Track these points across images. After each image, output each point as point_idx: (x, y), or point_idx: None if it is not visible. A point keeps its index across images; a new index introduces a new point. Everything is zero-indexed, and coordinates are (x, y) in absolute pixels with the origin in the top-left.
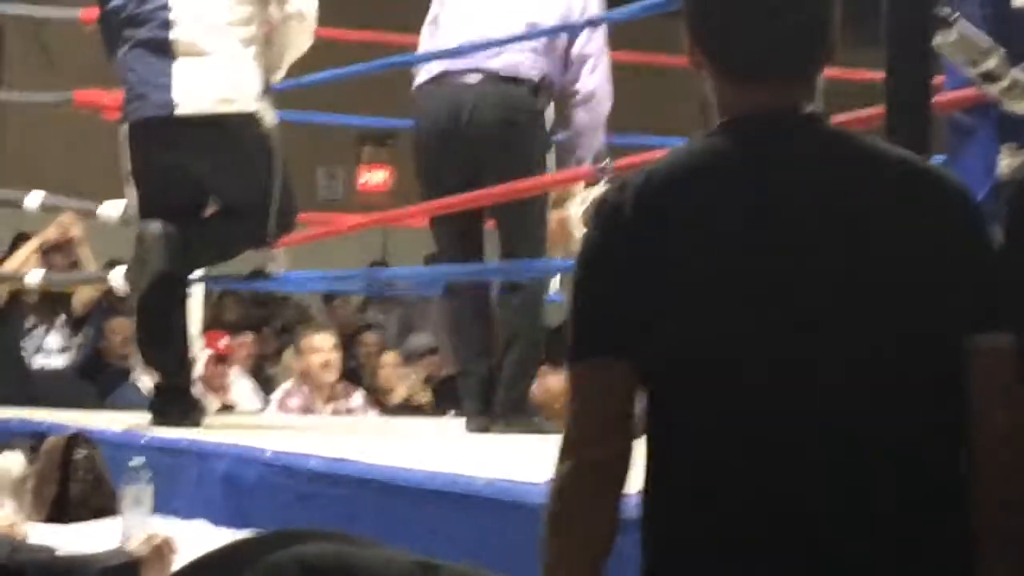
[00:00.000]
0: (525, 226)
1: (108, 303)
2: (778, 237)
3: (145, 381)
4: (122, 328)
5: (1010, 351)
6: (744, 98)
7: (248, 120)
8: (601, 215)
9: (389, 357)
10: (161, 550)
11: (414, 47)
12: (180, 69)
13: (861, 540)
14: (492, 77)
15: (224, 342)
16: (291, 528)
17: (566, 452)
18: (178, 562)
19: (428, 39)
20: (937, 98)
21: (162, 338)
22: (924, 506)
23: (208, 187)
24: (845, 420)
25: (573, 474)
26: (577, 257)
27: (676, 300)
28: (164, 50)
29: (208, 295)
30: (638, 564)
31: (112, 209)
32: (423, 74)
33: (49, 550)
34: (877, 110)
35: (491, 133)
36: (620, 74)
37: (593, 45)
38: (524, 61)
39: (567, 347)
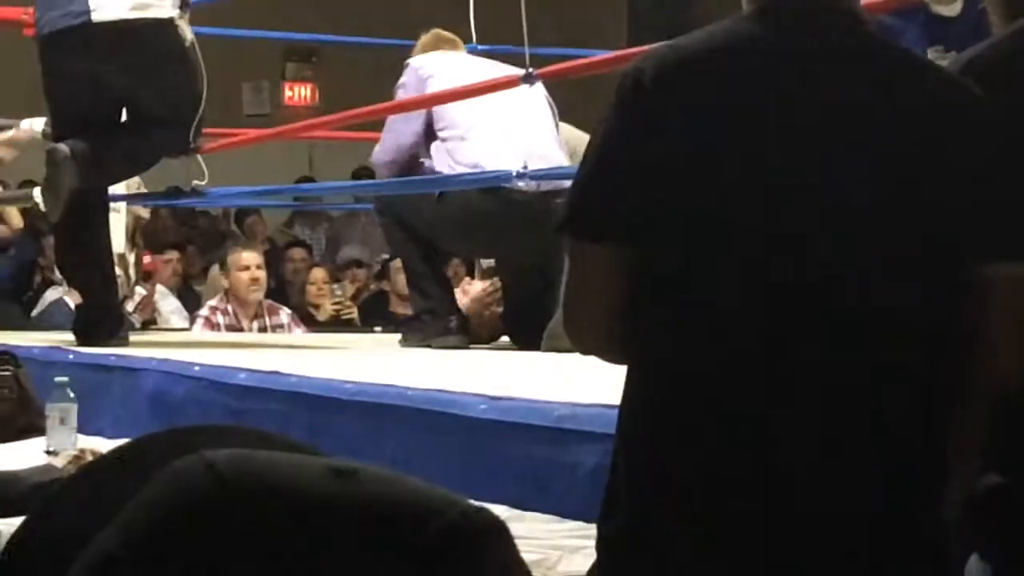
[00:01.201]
0: None
1: (35, 223)
2: (799, 129)
3: (71, 300)
4: None
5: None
6: None
7: (164, 27)
8: (622, 89)
9: (317, 273)
10: None
11: None
12: None
13: (832, 464)
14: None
15: (147, 259)
16: (192, 426)
17: (566, 313)
18: None
19: (452, 149)
20: (865, 0)
21: (83, 257)
22: (899, 434)
23: (122, 96)
24: (841, 333)
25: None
26: (595, 128)
27: (687, 183)
28: None
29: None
30: (596, 475)
31: (34, 125)
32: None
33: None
34: None
35: None
36: None
37: None
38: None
39: (568, 215)
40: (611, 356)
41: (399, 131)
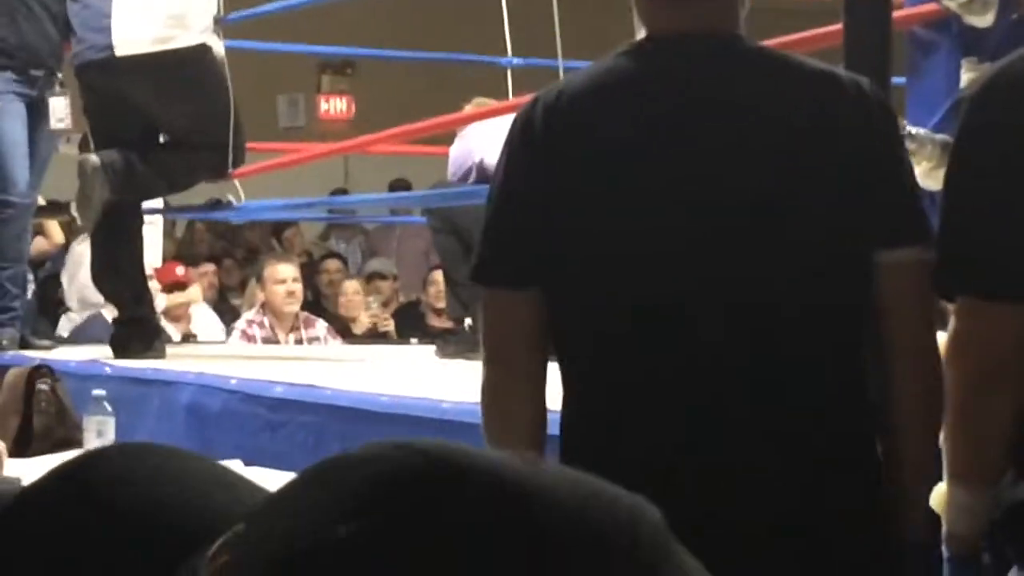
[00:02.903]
0: None
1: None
2: (690, 152)
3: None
4: None
5: (920, 265)
6: (665, 19)
7: (193, 53)
8: (514, 132)
9: (352, 285)
10: None
11: None
12: (120, 9)
13: (760, 443)
14: None
15: (180, 271)
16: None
17: (486, 363)
18: None
19: None
20: (898, 13)
21: (116, 270)
22: (823, 412)
23: (153, 118)
24: (752, 334)
25: (493, 380)
26: (494, 171)
27: (585, 215)
28: None
29: (172, 226)
30: None
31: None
32: None
33: (13, 481)
34: (836, 27)
35: None
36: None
37: None
38: None
39: (478, 263)
40: (519, 390)
41: (453, 159)
